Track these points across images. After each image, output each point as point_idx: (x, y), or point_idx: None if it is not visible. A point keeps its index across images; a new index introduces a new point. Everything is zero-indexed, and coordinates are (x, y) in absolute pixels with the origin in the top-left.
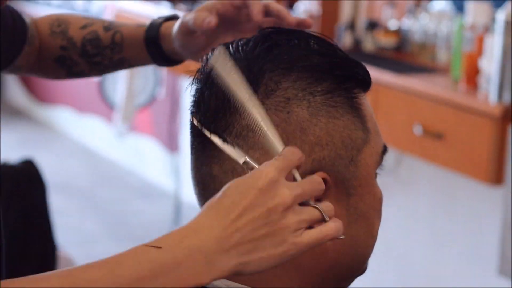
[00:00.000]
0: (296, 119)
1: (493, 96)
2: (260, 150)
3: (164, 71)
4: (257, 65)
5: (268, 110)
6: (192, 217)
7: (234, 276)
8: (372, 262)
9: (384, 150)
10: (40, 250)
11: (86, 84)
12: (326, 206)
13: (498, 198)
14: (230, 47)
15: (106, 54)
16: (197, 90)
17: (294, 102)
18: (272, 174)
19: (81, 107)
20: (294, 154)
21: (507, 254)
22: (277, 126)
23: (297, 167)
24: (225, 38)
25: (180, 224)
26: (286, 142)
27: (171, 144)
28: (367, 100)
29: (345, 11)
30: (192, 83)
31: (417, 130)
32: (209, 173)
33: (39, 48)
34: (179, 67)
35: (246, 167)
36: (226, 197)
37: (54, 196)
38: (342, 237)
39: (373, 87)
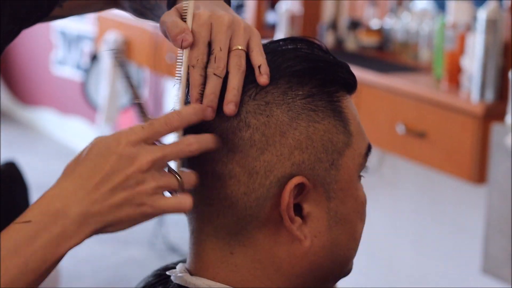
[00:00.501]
0: (276, 123)
1: (475, 95)
2: (239, 153)
3: (146, 72)
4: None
5: (248, 113)
6: (175, 219)
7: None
8: (356, 260)
9: (368, 150)
10: None
11: (69, 86)
12: (188, 176)
13: (481, 197)
14: None
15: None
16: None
17: (274, 106)
18: (132, 138)
19: (65, 108)
20: (167, 125)
21: (490, 253)
22: (257, 129)
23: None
24: None
25: (164, 224)
26: (265, 145)
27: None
28: (352, 102)
29: (327, 11)
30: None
31: (400, 129)
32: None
33: None
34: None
35: (138, 112)
36: (88, 160)
37: (37, 197)
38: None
39: None
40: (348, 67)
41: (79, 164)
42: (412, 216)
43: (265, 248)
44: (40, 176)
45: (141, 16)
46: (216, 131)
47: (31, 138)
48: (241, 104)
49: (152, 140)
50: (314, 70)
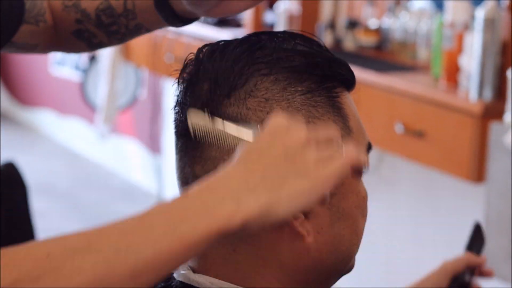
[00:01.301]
0: None
1: (473, 94)
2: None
3: (145, 72)
4: (238, 67)
5: (248, 110)
6: None
7: (265, 218)
8: (356, 259)
9: (368, 148)
10: None
11: (68, 86)
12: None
13: (479, 196)
14: (213, 47)
15: (121, 22)
16: (180, 90)
17: (273, 102)
18: (284, 120)
19: (63, 109)
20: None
21: (490, 252)
22: (257, 126)
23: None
24: (238, 1)
25: None
26: None
27: (153, 145)
28: (351, 99)
29: (325, 10)
30: (181, 83)
31: (398, 128)
32: (192, 173)
33: (54, 24)
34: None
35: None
36: (242, 152)
37: (36, 198)
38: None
39: None
40: (347, 64)
41: (234, 160)
42: (411, 215)
43: (267, 245)
44: (39, 176)
45: (120, 40)
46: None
47: (30, 138)
48: (241, 101)
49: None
50: (312, 66)
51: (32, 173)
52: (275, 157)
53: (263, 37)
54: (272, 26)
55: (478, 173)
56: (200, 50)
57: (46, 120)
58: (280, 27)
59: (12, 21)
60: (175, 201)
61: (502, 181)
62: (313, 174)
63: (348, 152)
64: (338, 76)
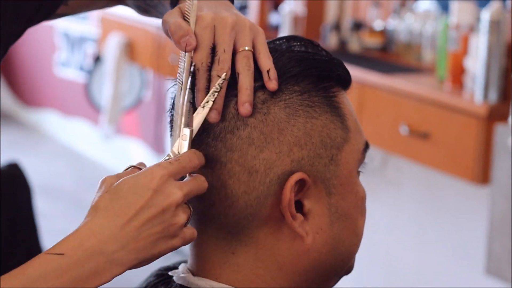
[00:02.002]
0: (274, 120)
1: (478, 96)
2: (238, 152)
3: (149, 73)
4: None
5: None
6: None
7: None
8: (358, 261)
9: (366, 147)
10: (25, 254)
11: (73, 87)
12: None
13: (484, 198)
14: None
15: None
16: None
17: (271, 103)
18: (165, 177)
19: (68, 110)
20: (191, 162)
21: (494, 253)
22: (254, 127)
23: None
24: None
25: None
26: (264, 143)
27: (158, 146)
28: (348, 98)
29: (330, 12)
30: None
31: (403, 130)
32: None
33: None
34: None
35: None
36: (120, 198)
37: (40, 199)
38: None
39: (358, 87)
40: (342, 63)
41: (111, 202)
42: (415, 217)
43: (266, 247)
44: (43, 177)
45: (145, 13)
46: (214, 131)
47: (34, 139)
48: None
49: (179, 176)
50: (309, 67)
51: (36, 174)
52: (151, 218)
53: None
54: (277, 27)
55: (482, 175)
56: None
57: (50, 121)
58: (285, 28)
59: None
60: (50, 262)
61: (507, 183)
62: (179, 236)
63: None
64: (334, 76)
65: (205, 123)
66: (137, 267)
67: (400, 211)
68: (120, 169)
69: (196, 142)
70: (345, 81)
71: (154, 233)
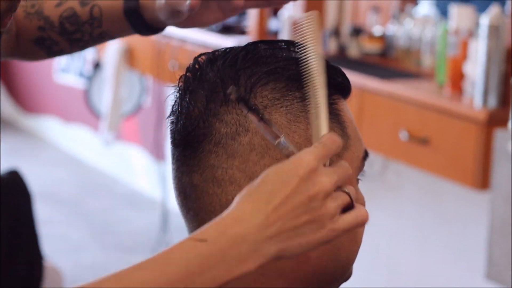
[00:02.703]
0: (275, 126)
1: (478, 101)
2: (239, 158)
3: (149, 79)
4: (234, 75)
5: (246, 117)
6: (178, 225)
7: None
8: (360, 266)
9: (365, 155)
10: (26, 260)
11: (72, 94)
12: (351, 190)
13: (484, 203)
14: (211, 56)
15: (85, 29)
16: (176, 99)
17: (272, 109)
18: (312, 163)
19: (67, 116)
20: (334, 142)
21: (494, 258)
22: (255, 133)
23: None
24: (208, 14)
25: (168, 231)
26: (265, 149)
27: (158, 152)
28: (347, 106)
29: (330, 17)
30: (178, 91)
31: (403, 135)
32: (190, 183)
33: (16, 32)
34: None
35: (281, 149)
36: (266, 184)
37: (41, 205)
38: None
39: (358, 93)
40: (342, 71)
41: (257, 190)
42: (416, 222)
43: None
44: (43, 183)
45: (67, 45)
46: (215, 137)
47: (34, 146)
48: (239, 108)
49: (326, 159)
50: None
51: (37, 181)
52: (296, 207)
53: (260, 46)
54: (276, 33)
55: (482, 180)
56: (196, 59)
57: (50, 127)
58: (284, 34)
59: None
60: (192, 249)
61: (507, 188)
62: (327, 227)
63: (360, 210)
64: (334, 83)
65: (206, 130)
66: (282, 259)
67: (400, 216)
68: (120, 175)
69: (197, 149)
70: (345, 89)
71: (299, 222)
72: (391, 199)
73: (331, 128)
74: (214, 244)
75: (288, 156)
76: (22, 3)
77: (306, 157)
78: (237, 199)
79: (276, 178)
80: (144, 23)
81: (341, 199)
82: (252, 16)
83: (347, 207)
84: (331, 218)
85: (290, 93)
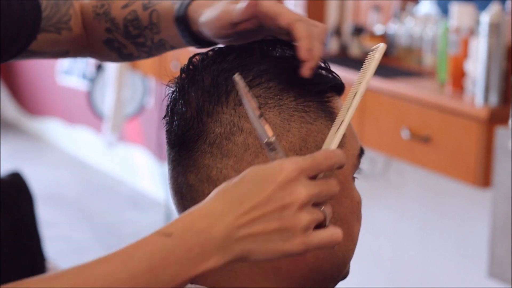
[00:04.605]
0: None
1: (479, 99)
2: (234, 158)
3: (152, 80)
4: (228, 75)
5: (240, 117)
6: None
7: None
8: (363, 265)
9: (361, 152)
10: (29, 263)
11: (75, 95)
12: (329, 211)
13: (486, 200)
14: (205, 56)
15: (147, 35)
16: (172, 99)
17: (266, 109)
18: (292, 172)
19: (71, 118)
20: (327, 159)
21: (496, 256)
22: (249, 133)
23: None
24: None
25: None
26: (260, 148)
27: (161, 153)
28: (342, 104)
29: (331, 17)
30: (173, 92)
31: (405, 134)
32: (186, 183)
33: (85, 32)
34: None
35: (268, 150)
36: (243, 185)
37: (45, 207)
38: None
39: None
40: (332, 70)
41: (232, 188)
42: (418, 220)
43: None
44: (47, 185)
45: (134, 48)
46: (210, 137)
47: (37, 148)
48: (232, 109)
49: (311, 173)
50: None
51: (40, 182)
52: (268, 213)
53: (253, 45)
54: None
55: (484, 178)
56: (191, 59)
57: (53, 129)
58: None
59: (26, 29)
60: (157, 243)
61: (508, 185)
62: (299, 239)
63: (336, 233)
64: (328, 81)
65: (201, 130)
66: (248, 261)
67: (403, 215)
68: (124, 176)
69: (192, 149)
70: (339, 87)
71: (269, 230)
72: (394, 197)
73: (326, 126)
74: (179, 239)
75: (274, 159)
76: (92, 2)
77: (288, 166)
78: (211, 195)
79: (253, 180)
80: (192, 35)
81: (316, 214)
82: None
83: (321, 225)
84: (303, 231)
85: (284, 93)
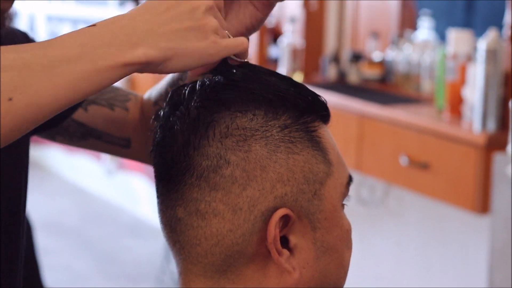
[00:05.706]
0: (255, 157)
1: (477, 125)
2: (221, 190)
3: None
4: (214, 106)
5: (227, 150)
6: None
7: (161, 65)
8: None
9: (349, 180)
10: None
11: None
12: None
13: (485, 227)
14: (190, 88)
15: None
16: (157, 133)
17: (252, 141)
18: None
19: (70, 146)
20: None
21: (495, 282)
22: (237, 165)
23: None
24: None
25: (171, 260)
26: (247, 181)
27: None
28: (329, 132)
29: (329, 44)
30: (159, 126)
31: (403, 160)
32: (175, 216)
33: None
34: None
35: None
36: (149, 1)
37: (45, 235)
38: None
39: (358, 118)
40: (320, 96)
41: (145, 3)
42: (418, 247)
43: (255, 283)
44: (47, 213)
45: None
46: (197, 170)
47: (37, 176)
48: (218, 142)
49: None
50: (287, 101)
51: (40, 210)
52: (181, 13)
53: (237, 73)
54: (276, 60)
55: (482, 204)
56: (174, 91)
57: (53, 157)
58: (284, 61)
59: None
60: (85, 31)
61: (507, 211)
62: (210, 38)
63: (243, 42)
64: (314, 110)
65: (188, 163)
66: (170, 66)
67: (402, 241)
68: (123, 204)
69: (180, 182)
70: (325, 115)
71: (184, 26)
72: (393, 224)
73: (313, 156)
74: (105, 28)
75: None
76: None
77: None
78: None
79: None
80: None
81: (221, 22)
82: (252, 44)
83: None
84: (213, 32)
85: (269, 123)
